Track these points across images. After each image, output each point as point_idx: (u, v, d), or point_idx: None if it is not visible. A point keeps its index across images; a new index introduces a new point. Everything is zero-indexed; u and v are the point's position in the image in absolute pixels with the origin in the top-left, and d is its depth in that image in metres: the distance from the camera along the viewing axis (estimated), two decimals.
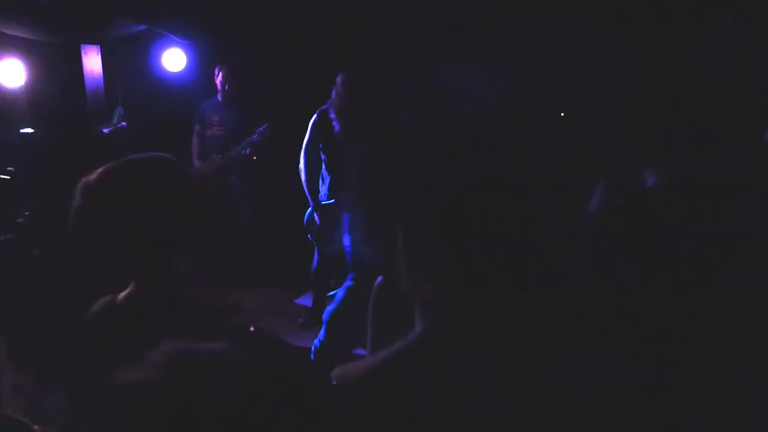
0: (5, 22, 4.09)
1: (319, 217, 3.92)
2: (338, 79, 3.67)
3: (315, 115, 3.84)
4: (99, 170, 1.21)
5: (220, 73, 4.77)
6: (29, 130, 4.39)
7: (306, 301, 4.61)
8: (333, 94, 3.71)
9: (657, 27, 3.68)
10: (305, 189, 3.96)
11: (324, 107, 3.79)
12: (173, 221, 1.21)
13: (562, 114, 4.61)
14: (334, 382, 0.90)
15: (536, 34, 4.36)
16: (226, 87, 4.77)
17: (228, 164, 4.79)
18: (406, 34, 4.64)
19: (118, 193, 1.19)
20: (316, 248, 4.15)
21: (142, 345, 1.16)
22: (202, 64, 5.11)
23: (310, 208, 3.98)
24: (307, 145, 3.89)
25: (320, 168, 3.92)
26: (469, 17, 4.34)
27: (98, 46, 4.71)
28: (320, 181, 3.94)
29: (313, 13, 4.47)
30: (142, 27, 4.50)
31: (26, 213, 3.81)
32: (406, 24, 4.50)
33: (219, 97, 4.85)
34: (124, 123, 4.83)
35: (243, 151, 4.70)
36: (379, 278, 1.32)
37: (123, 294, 1.28)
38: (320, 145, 3.84)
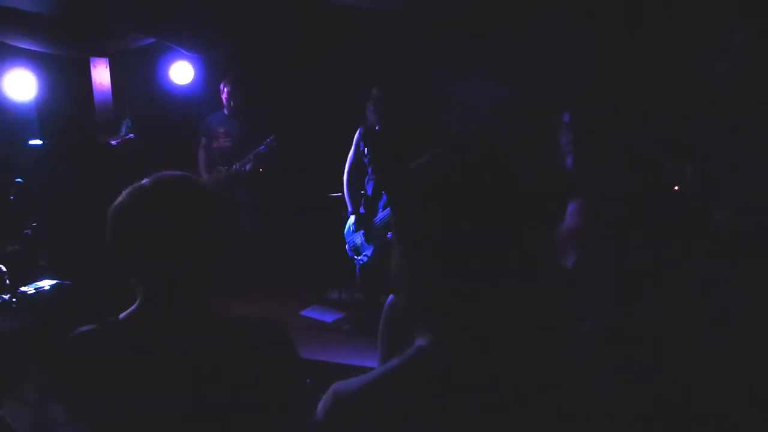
0: (16, 35, 4.15)
1: (356, 226, 4.02)
2: (374, 92, 3.79)
3: (360, 129, 4.00)
4: (148, 180, 1.27)
5: (225, 89, 4.81)
6: (38, 141, 4.43)
7: (311, 313, 4.60)
8: (370, 109, 3.83)
9: (658, 39, 3.70)
10: (347, 200, 4.08)
11: (368, 123, 3.96)
12: (207, 232, 1.26)
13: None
14: (333, 396, 0.90)
15: (539, 47, 4.38)
16: (231, 103, 4.81)
17: (235, 176, 4.81)
18: (411, 45, 4.67)
19: (169, 202, 1.24)
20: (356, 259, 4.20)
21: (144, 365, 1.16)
22: (209, 78, 5.15)
23: (350, 220, 4.04)
24: (351, 158, 4.05)
25: (363, 180, 4.03)
26: (473, 29, 4.36)
27: (107, 59, 4.76)
28: (363, 194, 4.06)
29: (319, 26, 4.51)
30: (151, 40, 4.55)
31: (33, 224, 3.84)
32: (410, 36, 4.53)
33: (225, 111, 4.88)
34: (132, 135, 4.87)
35: (248, 164, 4.74)
36: (390, 297, 1.31)
37: (129, 312, 1.28)
38: (365, 159, 3.94)
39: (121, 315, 1.28)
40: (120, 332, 1.25)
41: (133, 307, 1.27)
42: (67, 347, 1.26)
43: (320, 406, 0.92)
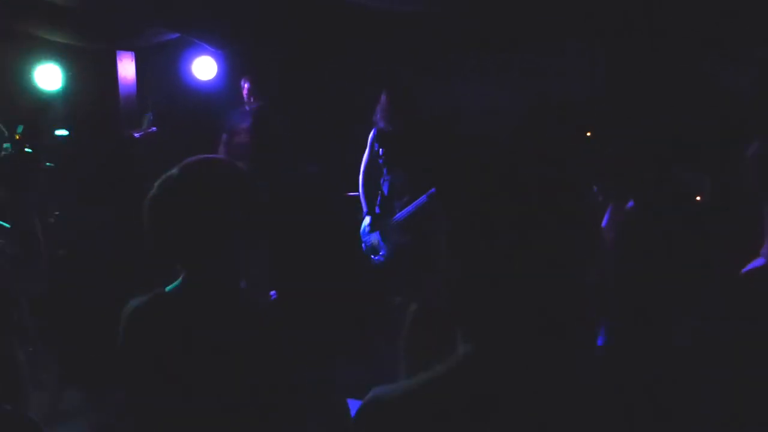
0: (46, 28, 4.24)
1: (371, 227, 4.03)
2: (383, 97, 3.82)
3: (374, 129, 4.01)
4: (180, 165, 1.32)
5: (246, 86, 4.86)
6: (64, 132, 4.52)
7: None
8: (378, 112, 3.86)
9: (673, 48, 3.68)
10: (362, 200, 4.10)
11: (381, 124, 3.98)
12: (238, 216, 1.31)
13: (588, 134, 4.60)
14: (374, 403, 0.87)
15: (553, 52, 4.38)
16: (251, 99, 4.86)
17: (253, 171, 4.86)
18: (423, 51, 4.69)
19: (195, 185, 1.29)
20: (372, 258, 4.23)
21: (195, 334, 1.21)
22: (231, 73, 5.20)
23: (366, 221, 4.08)
24: (366, 157, 4.07)
25: (378, 180, 4.05)
26: (485, 35, 4.37)
27: (133, 53, 4.84)
28: (379, 193, 4.08)
29: (338, 27, 4.54)
30: (175, 35, 4.61)
31: (56, 213, 3.92)
32: (423, 42, 4.55)
33: (247, 107, 4.93)
34: (154, 128, 4.94)
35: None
36: (414, 305, 1.31)
37: (173, 287, 1.32)
38: (380, 161, 3.97)
39: (168, 288, 1.33)
40: (170, 305, 1.30)
41: (178, 281, 1.32)
42: (129, 320, 1.31)
43: (359, 412, 0.88)
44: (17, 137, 1.76)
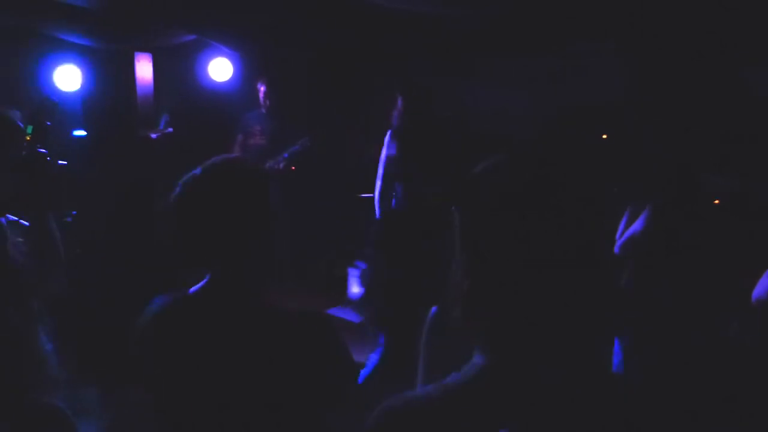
0: (65, 29, 4.28)
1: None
2: (399, 99, 3.83)
3: (389, 131, 4.02)
4: (203, 165, 1.32)
5: (262, 88, 4.89)
6: (82, 132, 4.57)
7: (338, 312, 4.63)
8: (394, 115, 3.87)
9: (698, 49, 3.63)
10: (376, 204, 4.11)
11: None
12: (258, 218, 1.32)
13: (604, 136, 4.56)
14: (386, 414, 0.86)
15: (574, 54, 4.35)
16: (268, 101, 4.88)
17: (268, 173, 4.88)
18: (440, 52, 4.67)
19: (221, 185, 1.29)
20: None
21: (219, 337, 1.21)
22: (247, 75, 5.23)
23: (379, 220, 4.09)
24: (383, 160, 4.08)
25: (394, 182, 4.05)
26: (504, 36, 4.34)
27: (150, 54, 4.88)
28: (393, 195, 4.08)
29: (354, 29, 4.54)
30: (192, 36, 4.64)
31: (74, 213, 3.95)
32: (440, 42, 4.53)
33: (262, 109, 4.95)
34: (170, 129, 4.98)
35: (281, 163, 4.80)
36: (434, 309, 1.29)
37: (196, 288, 1.32)
38: (395, 162, 3.99)
39: (192, 289, 1.32)
40: (193, 307, 1.30)
41: (202, 282, 1.32)
42: (152, 323, 1.31)
43: (370, 422, 0.86)
44: (28, 138, 1.77)
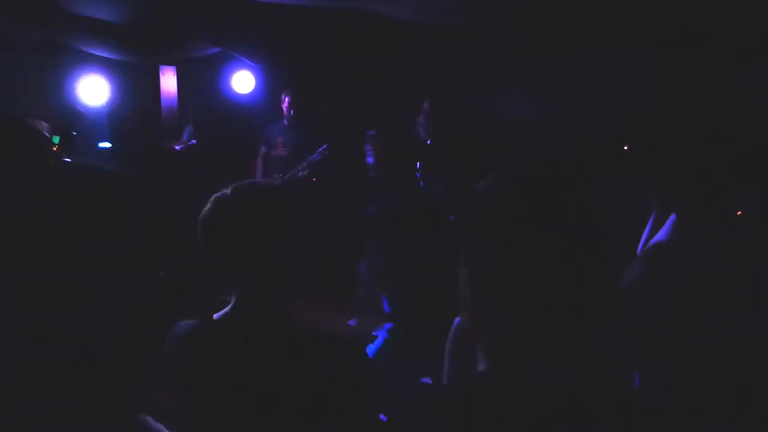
0: (92, 43, 4.38)
1: None
2: (424, 107, 3.85)
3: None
4: (230, 188, 1.32)
5: (286, 99, 4.93)
6: (107, 144, 4.65)
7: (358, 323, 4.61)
8: (419, 122, 3.88)
9: (719, 59, 3.58)
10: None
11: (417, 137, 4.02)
12: (287, 239, 1.32)
13: (625, 147, 4.50)
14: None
15: (595, 64, 4.32)
16: (291, 112, 4.92)
17: (288, 183, 4.91)
18: (464, 62, 4.68)
19: (248, 209, 1.29)
20: None
21: (253, 359, 1.20)
22: (270, 87, 5.28)
23: None
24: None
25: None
26: (526, 47, 4.33)
27: (175, 67, 4.96)
28: None
29: (376, 41, 4.57)
30: (216, 49, 4.71)
31: None
32: (463, 53, 4.54)
33: (285, 121, 5.00)
34: (194, 141, 5.04)
35: (301, 172, 4.83)
36: (457, 319, 1.28)
37: (223, 313, 1.32)
38: (418, 172, 4.00)
39: (216, 315, 1.32)
40: (217, 332, 1.29)
41: (227, 308, 1.31)
42: (175, 343, 1.31)
43: None
44: (55, 148, 1.81)
